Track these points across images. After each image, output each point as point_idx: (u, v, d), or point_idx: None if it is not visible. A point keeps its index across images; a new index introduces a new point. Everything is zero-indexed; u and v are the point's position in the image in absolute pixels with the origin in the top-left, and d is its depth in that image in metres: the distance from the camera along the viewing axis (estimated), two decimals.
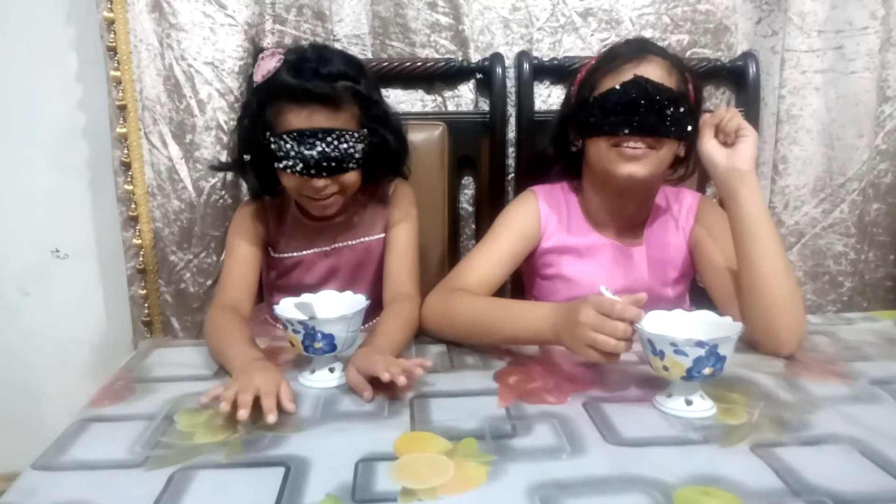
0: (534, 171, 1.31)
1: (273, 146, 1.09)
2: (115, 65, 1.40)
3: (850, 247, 1.59)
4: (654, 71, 1.08)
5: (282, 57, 1.10)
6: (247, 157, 1.15)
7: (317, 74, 1.08)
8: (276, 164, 1.10)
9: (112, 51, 1.40)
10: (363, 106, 1.13)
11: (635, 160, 1.08)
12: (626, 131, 1.07)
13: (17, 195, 1.59)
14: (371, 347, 0.93)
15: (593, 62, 1.16)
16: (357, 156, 1.11)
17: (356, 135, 1.10)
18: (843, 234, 1.58)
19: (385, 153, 1.17)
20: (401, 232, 1.21)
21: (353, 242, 1.23)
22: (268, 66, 1.10)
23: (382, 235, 1.23)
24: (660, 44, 1.50)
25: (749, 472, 0.69)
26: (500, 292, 1.20)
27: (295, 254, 1.23)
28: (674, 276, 1.20)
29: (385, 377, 0.84)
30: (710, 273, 1.14)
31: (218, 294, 1.17)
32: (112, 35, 1.39)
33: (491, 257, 1.15)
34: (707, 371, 0.80)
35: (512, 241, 1.17)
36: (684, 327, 0.85)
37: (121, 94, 1.41)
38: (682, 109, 1.08)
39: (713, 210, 1.20)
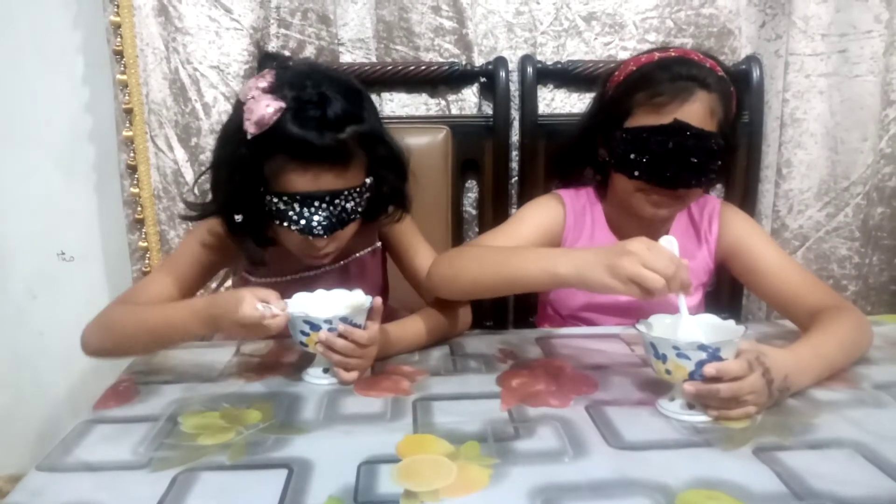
0: (562, 170, 1.27)
1: (270, 205, 0.97)
2: (122, 68, 1.41)
3: (854, 251, 1.59)
4: (696, 113, 1.02)
5: (281, 105, 0.92)
6: (238, 218, 0.99)
7: (322, 123, 0.94)
8: (272, 220, 0.98)
9: (118, 54, 1.41)
10: (369, 150, 1.01)
11: (661, 207, 1.07)
12: (657, 181, 1.03)
13: (24, 198, 1.60)
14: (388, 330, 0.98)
15: (632, 69, 1.09)
16: (360, 209, 1.01)
17: (363, 189, 1.00)
18: (848, 238, 1.58)
19: (389, 197, 1.08)
20: (412, 239, 1.17)
21: (345, 262, 1.16)
22: (262, 111, 0.92)
23: (377, 245, 1.19)
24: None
25: (752, 475, 0.69)
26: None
27: (280, 279, 1.13)
28: (694, 285, 1.17)
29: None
30: (760, 282, 1.12)
31: (128, 294, 1.08)
32: (118, 39, 1.40)
33: (512, 237, 1.10)
34: None
35: (535, 232, 1.14)
36: (686, 331, 0.85)
37: (127, 98, 1.42)
38: (719, 158, 1.03)
39: (736, 216, 1.19)
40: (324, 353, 0.91)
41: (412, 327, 1.05)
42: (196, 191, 1.45)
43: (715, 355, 0.79)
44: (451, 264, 1.06)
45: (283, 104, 0.92)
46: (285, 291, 0.95)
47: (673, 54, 1.09)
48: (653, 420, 0.82)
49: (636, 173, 1.05)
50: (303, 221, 0.96)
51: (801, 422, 0.80)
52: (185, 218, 1.22)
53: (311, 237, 0.98)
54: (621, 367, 0.97)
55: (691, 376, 0.80)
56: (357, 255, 1.17)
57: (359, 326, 0.92)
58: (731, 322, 0.86)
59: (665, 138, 1.02)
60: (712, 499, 0.65)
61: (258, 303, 0.87)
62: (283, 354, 1.04)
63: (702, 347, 0.79)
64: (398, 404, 0.87)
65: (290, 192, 0.95)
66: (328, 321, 0.90)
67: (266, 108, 0.92)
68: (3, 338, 1.67)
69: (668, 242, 0.85)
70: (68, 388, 1.69)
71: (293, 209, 0.96)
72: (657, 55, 1.10)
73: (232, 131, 0.99)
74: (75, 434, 0.80)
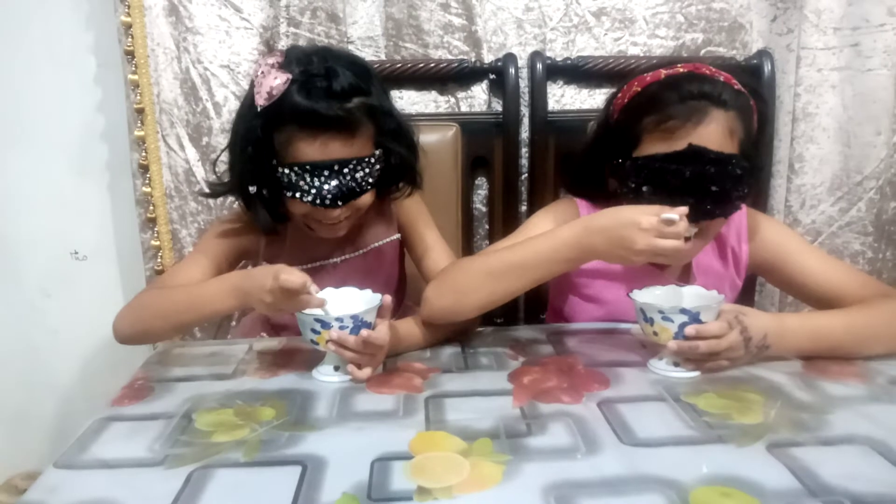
0: (574, 185, 1.20)
1: (280, 176, 1.00)
2: (133, 68, 1.42)
3: (867, 245, 1.58)
4: (713, 135, 0.94)
5: (288, 77, 0.97)
6: (252, 189, 1.04)
7: (329, 93, 0.98)
8: (284, 193, 1.02)
9: (130, 54, 1.41)
10: (377, 121, 1.04)
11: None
12: None
13: (37, 197, 1.61)
14: (396, 327, 0.99)
15: (637, 90, 1.02)
16: (372, 179, 1.04)
17: (372, 160, 1.03)
18: (861, 233, 1.57)
19: (399, 170, 1.10)
20: (426, 231, 1.18)
21: (364, 251, 1.18)
22: (271, 84, 0.97)
23: (395, 237, 1.20)
24: (673, 43, 1.51)
25: (765, 472, 0.68)
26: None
27: (301, 266, 1.12)
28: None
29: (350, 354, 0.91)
30: (804, 290, 1.08)
31: (158, 281, 1.13)
32: (130, 39, 1.41)
33: None
34: None
35: None
36: (674, 298, 0.95)
37: (138, 98, 1.43)
38: (744, 182, 0.96)
39: (766, 227, 1.12)
40: (336, 351, 0.91)
41: (420, 325, 1.05)
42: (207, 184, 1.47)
43: (695, 318, 0.88)
44: (449, 290, 1.00)
45: (290, 76, 0.97)
46: (312, 279, 0.98)
47: (681, 70, 1.01)
48: (665, 416, 0.81)
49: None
50: (314, 191, 0.99)
51: (814, 418, 0.80)
52: (205, 195, 1.29)
53: (323, 208, 1.01)
54: (633, 364, 0.96)
55: (675, 337, 0.89)
56: (376, 244, 1.18)
57: (369, 324, 0.92)
58: (714, 292, 0.95)
59: (680, 167, 0.94)
60: (726, 495, 0.65)
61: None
62: (296, 352, 1.04)
63: (683, 311, 0.88)
64: (410, 401, 0.87)
65: (299, 161, 0.99)
66: (339, 319, 0.90)
67: (274, 80, 0.97)
68: (17, 336, 1.68)
69: (670, 220, 0.86)
70: (83, 386, 1.71)
71: (304, 179, 0.99)
72: (663, 73, 1.01)
73: (245, 108, 1.05)
74: (91, 432, 0.81)
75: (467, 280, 1.00)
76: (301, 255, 1.15)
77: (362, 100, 1.01)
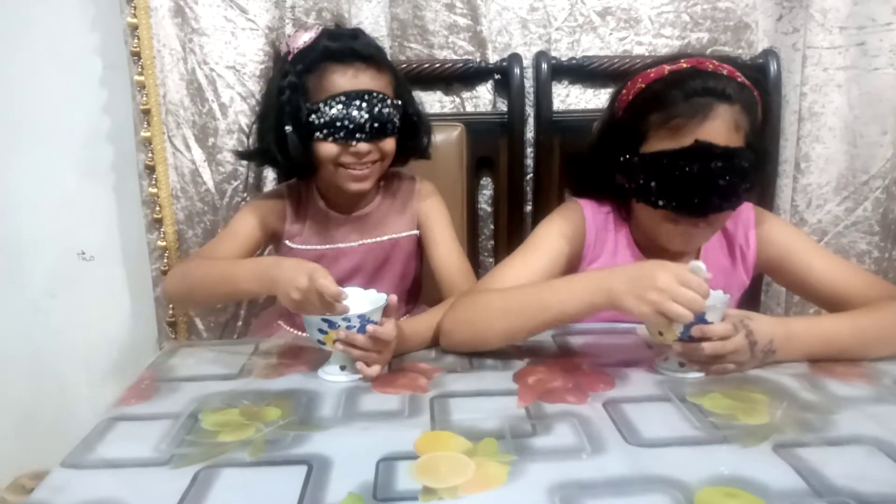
0: (579, 184, 1.20)
1: (315, 115, 1.08)
2: (139, 69, 1.43)
3: (873, 245, 1.57)
4: (718, 130, 0.95)
5: (320, 27, 1.13)
6: (288, 129, 1.10)
7: (355, 40, 1.11)
8: (317, 134, 1.09)
9: (136, 56, 1.42)
10: (395, 78, 1.15)
11: (692, 237, 1.03)
12: (684, 210, 0.97)
13: (43, 198, 1.61)
14: (402, 326, 0.99)
15: (642, 87, 1.02)
16: (396, 122, 1.13)
17: (397, 102, 1.13)
18: (867, 233, 1.57)
19: (414, 129, 1.19)
20: (443, 230, 1.22)
21: (382, 239, 1.22)
22: (304, 37, 1.12)
23: (414, 233, 1.23)
24: (678, 43, 1.51)
25: (771, 472, 0.68)
26: None
27: (319, 247, 1.20)
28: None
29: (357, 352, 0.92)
30: (810, 291, 1.08)
31: (205, 249, 1.19)
32: (136, 40, 1.41)
33: (529, 269, 1.05)
34: None
35: (551, 258, 1.07)
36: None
37: (144, 99, 1.43)
38: (750, 174, 0.96)
39: (774, 227, 1.12)
40: (344, 349, 0.92)
41: (426, 324, 1.05)
42: (217, 191, 1.48)
43: (701, 319, 0.86)
44: (469, 324, 0.99)
45: (322, 27, 1.13)
46: (327, 260, 1.14)
47: (685, 65, 1.01)
48: (671, 417, 0.81)
49: (660, 203, 0.99)
50: (347, 124, 1.07)
51: (820, 418, 0.80)
52: (237, 154, 1.37)
53: (353, 143, 1.08)
54: (638, 364, 0.96)
55: (681, 337, 0.89)
56: (394, 235, 1.22)
57: (376, 324, 0.92)
58: (719, 291, 0.92)
59: (687, 163, 0.95)
60: (731, 496, 0.65)
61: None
62: (301, 352, 1.04)
63: None
64: (416, 401, 0.87)
65: (333, 94, 1.07)
66: (346, 319, 0.91)
67: (306, 33, 1.12)
68: (23, 337, 1.69)
69: (698, 268, 0.85)
70: (88, 387, 1.71)
71: (339, 111, 1.07)
72: (667, 69, 1.01)
73: (275, 73, 1.17)
74: (97, 432, 0.81)
75: (484, 317, 0.99)
76: (320, 237, 1.20)
77: (383, 57, 1.15)
